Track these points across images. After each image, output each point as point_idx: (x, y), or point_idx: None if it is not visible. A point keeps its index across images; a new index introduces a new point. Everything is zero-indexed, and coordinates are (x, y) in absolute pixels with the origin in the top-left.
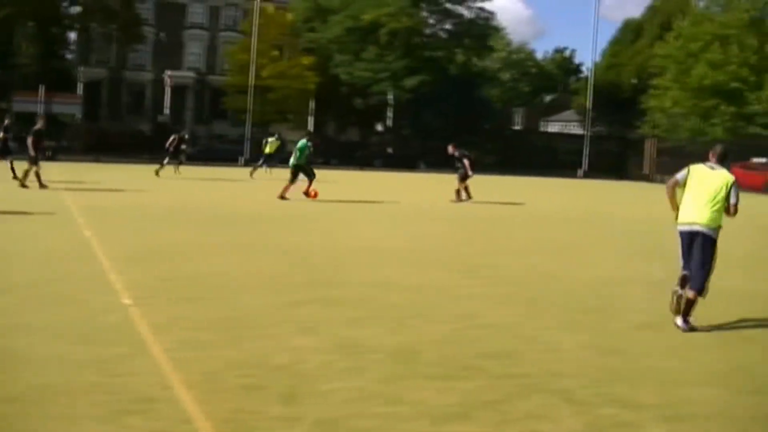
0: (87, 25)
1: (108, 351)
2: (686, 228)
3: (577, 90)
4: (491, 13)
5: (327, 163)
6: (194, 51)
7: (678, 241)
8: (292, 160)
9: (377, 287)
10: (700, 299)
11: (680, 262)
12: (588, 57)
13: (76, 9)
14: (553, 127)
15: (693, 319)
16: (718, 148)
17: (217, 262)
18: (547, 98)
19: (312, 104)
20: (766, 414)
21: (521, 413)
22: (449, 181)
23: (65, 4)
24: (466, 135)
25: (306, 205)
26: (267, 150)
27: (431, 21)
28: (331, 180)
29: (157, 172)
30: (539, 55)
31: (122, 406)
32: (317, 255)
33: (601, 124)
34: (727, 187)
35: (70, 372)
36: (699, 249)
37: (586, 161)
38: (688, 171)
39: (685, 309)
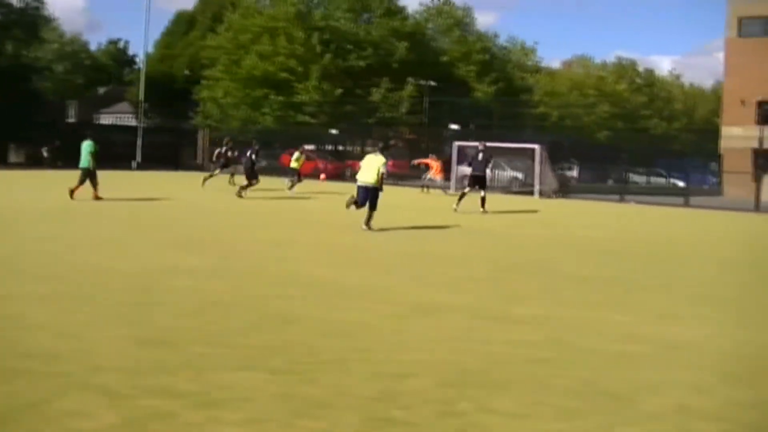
0: None
1: None
2: (362, 184)
3: (131, 81)
4: (42, 2)
5: None
6: None
7: (357, 190)
8: (85, 164)
9: None
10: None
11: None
12: (142, 48)
13: None
14: (107, 120)
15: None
16: (380, 144)
17: None
18: (102, 90)
19: None
20: (321, 400)
21: (60, 412)
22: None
23: None
24: (21, 130)
25: None
26: (295, 165)
27: None
28: None
29: (204, 181)
30: (93, 47)
31: None
32: None
33: (155, 116)
34: (378, 163)
35: None
36: (371, 194)
37: (140, 153)
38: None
39: (367, 220)
